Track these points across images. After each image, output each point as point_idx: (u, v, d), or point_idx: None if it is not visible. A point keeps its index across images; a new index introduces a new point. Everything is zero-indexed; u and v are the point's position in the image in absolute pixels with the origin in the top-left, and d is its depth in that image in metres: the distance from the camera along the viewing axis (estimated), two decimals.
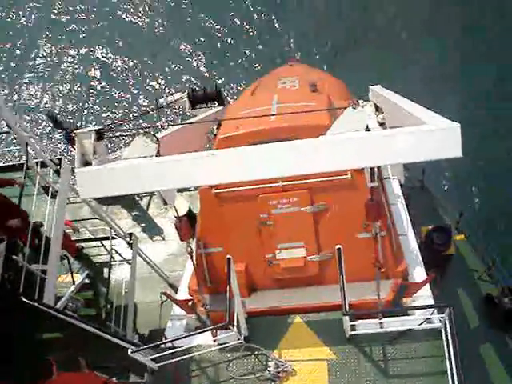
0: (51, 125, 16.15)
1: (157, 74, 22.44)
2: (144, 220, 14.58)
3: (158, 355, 7.65)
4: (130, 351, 7.38)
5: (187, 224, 7.26)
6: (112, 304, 10.51)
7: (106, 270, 10.89)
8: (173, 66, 22.57)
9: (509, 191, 16.44)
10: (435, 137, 4.52)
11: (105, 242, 11.28)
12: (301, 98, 9.93)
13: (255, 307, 8.60)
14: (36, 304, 7.90)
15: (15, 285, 7.92)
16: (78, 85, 22.84)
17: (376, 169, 5.91)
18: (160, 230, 14.25)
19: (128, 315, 10.30)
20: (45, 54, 23.88)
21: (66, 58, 23.67)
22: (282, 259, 8.63)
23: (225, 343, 8.00)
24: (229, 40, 22.96)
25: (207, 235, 8.82)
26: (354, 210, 7.83)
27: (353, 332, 7.68)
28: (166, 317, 9.22)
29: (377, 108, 9.95)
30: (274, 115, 8.41)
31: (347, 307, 7.27)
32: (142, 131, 6.14)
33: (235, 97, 20.34)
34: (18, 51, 24.25)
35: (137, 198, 15.06)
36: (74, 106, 22.28)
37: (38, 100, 22.65)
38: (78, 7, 24.85)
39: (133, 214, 14.77)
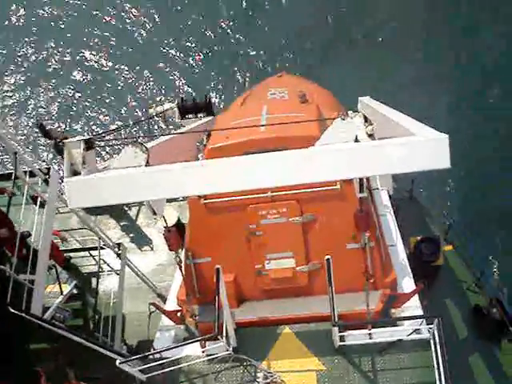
0: (40, 134, 16.08)
1: (147, 84, 22.50)
2: (133, 230, 14.53)
3: (146, 366, 7.56)
4: (118, 362, 7.31)
5: (176, 234, 7.28)
6: (100, 314, 10.43)
7: (94, 281, 10.80)
8: (163, 76, 22.62)
9: (497, 201, 16.55)
10: (424, 148, 4.55)
11: (93, 252, 11.17)
12: (290, 108, 9.96)
13: (244, 318, 8.57)
14: (23, 314, 7.83)
15: (2, 295, 7.84)
16: (67, 94, 22.81)
17: (365, 179, 5.95)
18: (149, 240, 14.20)
19: (116, 326, 10.23)
20: (34, 61, 23.81)
21: (55, 66, 23.62)
22: (271, 270, 8.63)
23: (213, 354, 7.94)
24: (219, 50, 23.03)
25: (196, 245, 8.79)
26: (342, 221, 7.88)
27: (342, 343, 7.66)
28: (155, 327, 9.16)
29: (366, 119, 9.99)
30: (263, 126, 8.42)
31: (336, 318, 7.27)
32: (131, 141, 6.13)
33: (225, 107, 20.38)
34: (4, 58, 24.23)
35: (126, 208, 15.02)
36: (63, 115, 22.21)
37: (27, 109, 22.54)
38: (68, 13, 25.01)
39: (121, 224, 14.72)
